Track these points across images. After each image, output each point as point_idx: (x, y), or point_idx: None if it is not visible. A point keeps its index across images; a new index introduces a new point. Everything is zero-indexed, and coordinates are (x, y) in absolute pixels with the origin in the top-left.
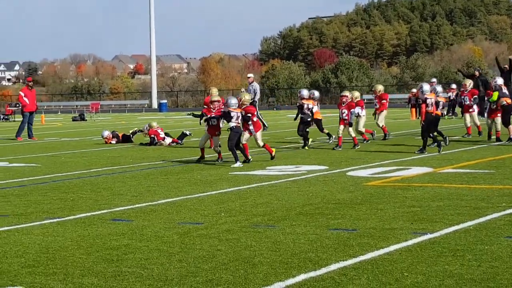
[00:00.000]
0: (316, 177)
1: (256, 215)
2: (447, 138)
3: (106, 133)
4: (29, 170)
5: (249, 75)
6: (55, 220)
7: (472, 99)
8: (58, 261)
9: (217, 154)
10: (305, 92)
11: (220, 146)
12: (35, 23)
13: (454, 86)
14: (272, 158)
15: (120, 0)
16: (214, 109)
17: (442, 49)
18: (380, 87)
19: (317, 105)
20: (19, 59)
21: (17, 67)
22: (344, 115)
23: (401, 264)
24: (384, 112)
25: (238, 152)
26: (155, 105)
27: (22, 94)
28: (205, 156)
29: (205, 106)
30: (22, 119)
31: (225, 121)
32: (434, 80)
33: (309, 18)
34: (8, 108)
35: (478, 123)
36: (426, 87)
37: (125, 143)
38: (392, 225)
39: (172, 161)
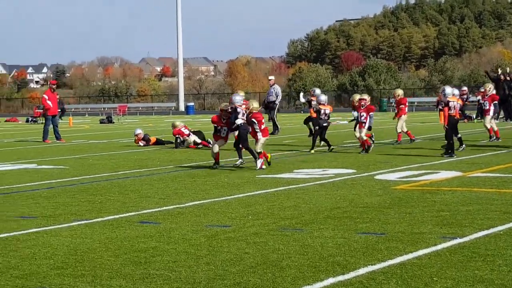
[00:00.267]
0: (343, 181)
1: (283, 218)
2: (464, 145)
3: (139, 131)
4: (57, 172)
5: (270, 77)
6: (83, 222)
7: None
8: (86, 263)
9: (213, 160)
10: (323, 97)
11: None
12: (63, 26)
13: (483, 89)
14: (265, 158)
15: (148, 3)
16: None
17: (470, 52)
18: (399, 92)
19: (312, 102)
20: (47, 61)
21: (45, 70)
22: (362, 118)
23: (430, 268)
24: (403, 117)
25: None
26: (182, 107)
27: (46, 97)
28: (228, 159)
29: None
30: (45, 122)
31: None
32: (465, 88)
33: (337, 21)
34: (36, 111)
35: (489, 126)
36: (448, 90)
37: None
38: (421, 229)
39: (199, 164)
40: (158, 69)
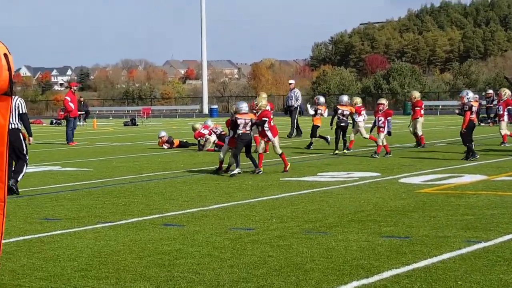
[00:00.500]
0: (368, 184)
1: (307, 221)
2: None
3: (163, 134)
4: (82, 175)
5: (290, 81)
6: (107, 224)
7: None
8: (110, 265)
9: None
10: (344, 98)
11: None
12: (87, 29)
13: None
14: (284, 170)
15: (172, 6)
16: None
17: (496, 56)
18: (415, 94)
19: (318, 110)
20: (71, 64)
21: (69, 72)
22: (380, 122)
23: (454, 272)
24: (420, 120)
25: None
26: (205, 110)
27: (69, 99)
28: (247, 163)
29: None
30: (68, 124)
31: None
32: (491, 91)
33: (361, 24)
34: (60, 113)
35: (503, 132)
36: (471, 94)
37: (179, 148)
38: (445, 233)
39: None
40: (182, 71)
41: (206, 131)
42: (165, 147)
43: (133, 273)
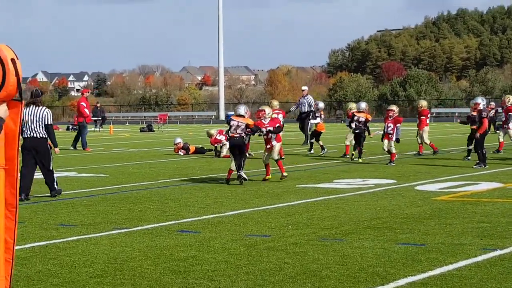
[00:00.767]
0: (384, 191)
1: (323, 228)
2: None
3: (178, 140)
4: (98, 181)
5: (303, 88)
6: (123, 230)
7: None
8: (126, 271)
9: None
10: (361, 105)
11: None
12: (104, 34)
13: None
14: (282, 177)
15: (189, 12)
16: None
17: None
18: (422, 103)
19: (320, 116)
20: (88, 69)
21: (86, 78)
22: (389, 129)
23: (470, 280)
24: (426, 129)
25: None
26: (222, 116)
27: (84, 105)
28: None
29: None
30: (83, 130)
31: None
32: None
33: (378, 31)
34: (76, 118)
35: (502, 139)
36: (485, 101)
37: (195, 154)
38: (461, 240)
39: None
40: (199, 77)
41: (222, 137)
42: (181, 153)
43: (148, 279)
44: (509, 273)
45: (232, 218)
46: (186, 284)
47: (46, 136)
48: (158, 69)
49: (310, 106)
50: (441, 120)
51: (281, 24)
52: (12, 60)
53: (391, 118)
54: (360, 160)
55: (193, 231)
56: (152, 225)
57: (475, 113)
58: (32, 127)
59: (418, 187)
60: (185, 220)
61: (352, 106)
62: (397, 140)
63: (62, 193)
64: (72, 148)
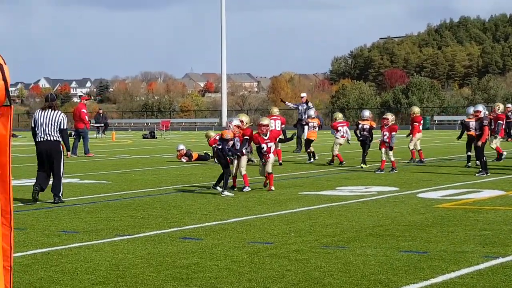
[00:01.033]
0: (386, 198)
1: (326, 235)
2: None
3: (181, 147)
4: (100, 187)
5: (302, 94)
6: (125, 237)
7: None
8: (128, 278)
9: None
10: (365, 113)
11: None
12: (107, 41)
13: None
14: (268, 189)
15: (192, 19)
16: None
17: None
18: (414, 109)
19: (307, 124)
20: (90, 76)
21: (88, 84)
22: (385, 137)
23: None
24: (417, 136)
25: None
26: (224, 123)
27: (85, 111)
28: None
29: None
30: (86, 136)
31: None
32: (510, 105)
33: (380, 38)
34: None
35: (494, 146)
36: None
37: (198, 161)
38: (463, 248)
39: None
40: (202, 84)
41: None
42: (184, 160)
43: (150, 286)
44: (511, 281)
45: (234, 225)
46: None
47: (60, 140)
48: (161, 75)
49: (304, 113)
50: (443, 127)
51: (284, 31)
52: (0, 65)
53: (387, 126)
54: (363, 165)
55: (195, 238)
56: (155, 232)
57: (468, 120)
58: (47, 130)
59: (420, 195)
60: (187, 227)
61: (338, 115)
62: (391, 148)
63: (65, 200)
64: (73, 155)
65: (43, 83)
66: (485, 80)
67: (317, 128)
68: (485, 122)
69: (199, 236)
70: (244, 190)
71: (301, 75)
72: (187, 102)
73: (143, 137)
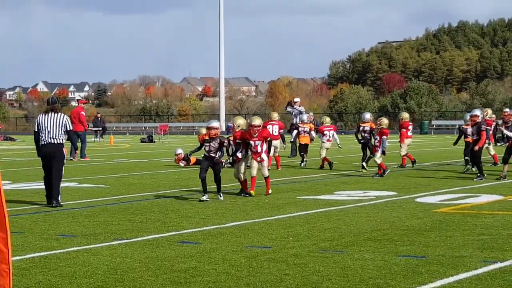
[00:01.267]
0: (384, 203)
1: (324, 240)
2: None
3: (179, 151)
4: (98, 191)
5: (295, 99)
6: (123, 241)
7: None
8: (126, 282)
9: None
10: (366, 116)
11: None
12: (105, 45)
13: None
14: (240, 193)
15: (190, 23)
16: (254, 135)
17: None
18: (403, 115)
19: (300, 128)
20: (88, 80)
21: (86, 88)
22: (376, 141)
23: None
24: (407, 141)
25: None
26: (223, 127)
27: (84, 114)
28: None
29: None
30: (84, 139)
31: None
32: (507, 110)
33: (378, 43)
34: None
35: (492, 152)
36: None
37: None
38: (461, 252)
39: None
40: (200, 88)
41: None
42: (182, 164)
43: None
44: (509, 285)
45: (232, 229)
46: None
47: (63, 142)
48: (159, 79)
49: (295, 117)
50: (441, 132)
51: (282, 35)
52: None
53: (378, 130)
54: (365, 165)
55: (193, 242)
56: (153, 236)
57: (465, 127)
58: (52, 134)
59: (418, 199)
60: (185, 231)
61: (326, 119)
62: (383, 153)
63: (63, 203)
64: (72, 158)
65: (41, 87)
66: (483, 85)
67: (313, 133)
68: (483, 127)
69: (197, 240)
70: (241, 195)
71: (299, 80)
72: (185, 106)
73: (141, 141)
